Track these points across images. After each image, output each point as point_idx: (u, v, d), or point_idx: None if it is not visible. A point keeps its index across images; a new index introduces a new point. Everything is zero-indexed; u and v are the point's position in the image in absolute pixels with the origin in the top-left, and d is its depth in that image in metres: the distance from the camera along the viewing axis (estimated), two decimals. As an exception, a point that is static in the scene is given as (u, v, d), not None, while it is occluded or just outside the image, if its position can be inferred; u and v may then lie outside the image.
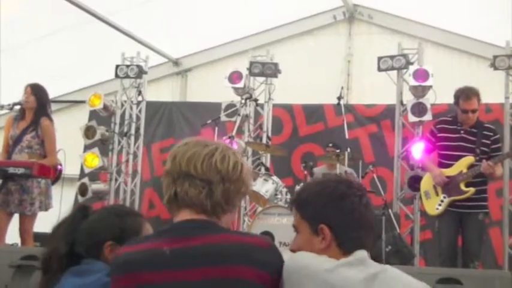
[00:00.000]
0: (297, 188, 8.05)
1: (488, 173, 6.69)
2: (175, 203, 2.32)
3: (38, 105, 7.13)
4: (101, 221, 2.70)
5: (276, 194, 7.95)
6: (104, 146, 10.06)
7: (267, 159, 9.36)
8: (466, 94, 6.78)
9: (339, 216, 2.38)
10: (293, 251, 2.45)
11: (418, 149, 7.88)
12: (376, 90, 10.27)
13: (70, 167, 7.80)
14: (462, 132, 6.85)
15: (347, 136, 7.96)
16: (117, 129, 10.21)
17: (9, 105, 7.18)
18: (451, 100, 7.26)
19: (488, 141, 6.78)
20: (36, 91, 7.17)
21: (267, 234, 7.21)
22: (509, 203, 8.59)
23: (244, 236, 2.39)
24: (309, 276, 2.24)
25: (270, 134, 9.68)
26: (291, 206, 2.52)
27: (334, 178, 2.59)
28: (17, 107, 7.26)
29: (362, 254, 2.33)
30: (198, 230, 2.25)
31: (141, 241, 2.39)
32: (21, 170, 6.44)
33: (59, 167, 7.17)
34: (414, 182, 8.15)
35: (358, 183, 2.52)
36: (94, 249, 2.62)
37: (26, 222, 6.88)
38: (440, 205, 6.81)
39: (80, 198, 9.57)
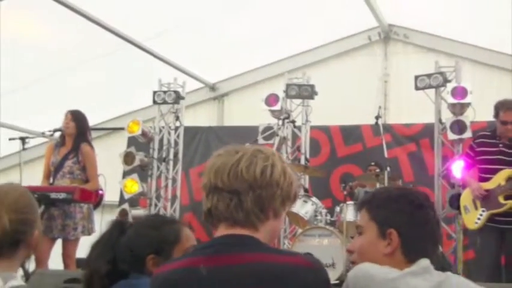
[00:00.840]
0: (337, 208, 8.05)
1: None
2: (211, 219, 2.25)
3: (78, 131, 7.26)
4: (139, 235, 2.69)
5: (315, 216, 7.92)
6: (143, 172, 10.13)
7: (305, 180, 9.33)
8: (506, 106, 6.75)
9: (412, 224, 2.34)
10: (350, 251, 2.43)
11: (458, 168, 7.81)
12: (414, 109, 10.20)
13: (110, 194, 7.89)
14: (501, 145, 6.81)
15: (386, 155, 7.92)
16: (155, 155, 10.28)
17: (50, 131, 7.33)
18: (490, 117, 7.21)
19: None
20: (76, 117, 7.30)
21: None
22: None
23: (285, 255, 2.25)
24: (375, 287, 2.21)
25: (308, 156, 9.65)
26: (361, 206, 2.47)
27: (414, 189, 2.57)
28: (58, 134, 7.39)
29: (425, 262, 2.30)
30: (236, 247, 2.17)
31: (180, 259, 2.35)
32: (63, 195, 6.55)
33: (101, 191, 7.26)
34: (455, 201, 8.04)
35: (432, 202, 2.52)
36: (137, 264, 2.62)
37: (69, 247, 6.96)
38: (479, 219, 6.73)
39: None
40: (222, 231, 2.23)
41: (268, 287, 2.08)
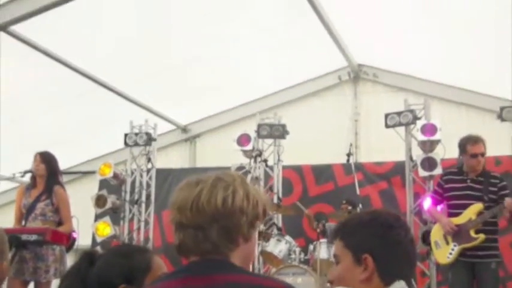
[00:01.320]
0: (310, 246, 8.04)
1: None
2: (182, 253, 2.23)
3: (48, 172, 7.20)
4: (109, 265, 2.63)
5: (289, 254, 7.92)
6: (115, 215, 10.07)
7: (278, 219, 9.32)
8: (473, 139, 6.91)
9: (384, 247, 2.33)
10: (331, 282, 2.42)
11: (428, 203, 7.87)
12: (385, 147, 10.28)
13: (82, 237, 7.81)
14: (469, 181, 6.93)
15: (358, 192, 7.96)
16: (127, 197, 10.22)
17: (20, 173, 7.26)
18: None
19: (495, 188, 6.83)
20: (46, 158, 7.25)
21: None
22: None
23: (260, 277, 2.25)
24: None
25: (280, 195, 9.66)
26: (335, 235, 2.46)
27: (384, 210, 2.54)
28: (28, 175, 7.32)
29: (400, 284, 2.29)
30: (210, 269, 2.15)
31: (155, 283, 2.33)
32: (34, 237, 6.47)
33: (74, 234, 7.18)
34: (428, 237, 8.08)
35: (404, 220, 2.50)
36: None
37: None
38: (451, 253, 6.81)
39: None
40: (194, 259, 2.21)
41: None
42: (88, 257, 2.72)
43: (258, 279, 2.18)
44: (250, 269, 2.48)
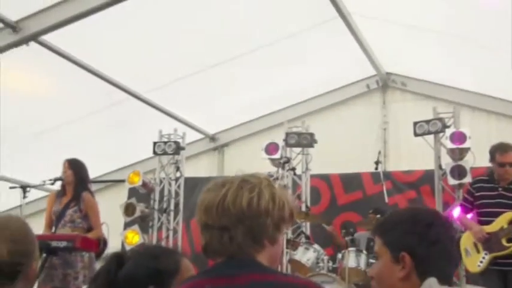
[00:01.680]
0: (339, 255, 8.00)
1: None
2: (208, 254, 2.26)
3: (76, 179, 7.29)
4: (137, 267, 2.64)
5: (317, 263, 7.89)
6: (144, 223, 10.13)
7: (307, 228, 9.31)
8: (502, 148, 6.84)
9: (423, 245, 2.31)
10: (371, 277, 2.43)
11: (457, 212, 7.80)
12: (413, 156, 10.24)
13: (112, 246, 7.84)
14: (500, 189, 6.85)
15: (386, 201, 7.92)
16: (156, 206, 10.29)
17: (50, 180, 7.33)
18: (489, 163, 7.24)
19: None
20: (74, 165, 7.35)
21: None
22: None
23: (293, 277, 2.29)
24: None
25: (308, 204, 9.65)
26: (375, 232, 2.47)
27: (424, 208, 2.55)
28: (58, 183, 7.41)
29: (431, 281, 2.27)
30: (243, 269, 2.17)
31: (186, 281, 2.35)
32: (63, 243, 6.52)
33: (105, 239, 7.23)
34: (457, 245, 8.02)
35: (447, 217, 2.48)
36: None
37: None
38: (482, 262, 6.73)
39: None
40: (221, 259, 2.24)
41: None
42: (117, 259, 2.73)
43: (283, 278, 2.21)
44: None
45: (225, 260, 2.21)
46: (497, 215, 6.76)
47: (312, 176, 10.18)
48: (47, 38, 8.00)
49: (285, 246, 8.01)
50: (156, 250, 2.86)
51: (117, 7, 7.46)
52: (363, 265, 7.74)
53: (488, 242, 6.73)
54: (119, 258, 2.71)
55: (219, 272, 2.21)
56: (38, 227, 7.61)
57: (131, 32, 8.45)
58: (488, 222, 6.80)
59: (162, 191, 10.45)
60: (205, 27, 8.72)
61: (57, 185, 7.55)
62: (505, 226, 6.70)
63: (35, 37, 7.80)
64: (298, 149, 9.92)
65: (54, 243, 6.58)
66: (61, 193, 7.40)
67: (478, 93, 10.61)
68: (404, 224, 2.38)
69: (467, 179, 8.37)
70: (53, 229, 7.22)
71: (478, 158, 8.45)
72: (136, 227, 9.88)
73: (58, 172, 7.53)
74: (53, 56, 8.36)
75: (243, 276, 2.15)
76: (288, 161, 9.33)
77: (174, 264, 2.63)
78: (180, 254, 2.77)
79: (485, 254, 6.75)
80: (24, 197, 7.36)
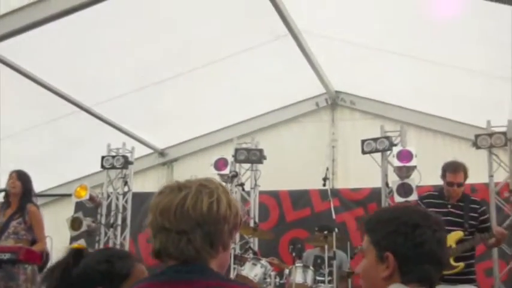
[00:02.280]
0: (286, 271, 8.01)
1: (502, 238, 6.75)
2: (161, 257, 2.23)
3: (23, 191, 7.19)
4: (90, 267, 2.68)
5: (265, 278, 7.88)
6: (90, 238, 10.00)
7: (255, 243, 9.32)
8: (453, 167, 6.88)
9: (408, 246, 2.29)
10: (358, 274, 2.42)
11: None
12: (361, 174, 10.33)
13: (56, 260, 7.71)
14: (449, 206, 6.88)
15: (334, 217, 7.96)
16: (103, 221, 10.20)
17: (-5, 191, 7.23)
18: (435, 182, 7.32)
19: (476, 214, 6.82)
20: (22, 177, 7.26)
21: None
22: (500, 281, 8.56)
23: (237, 284, 2.29)
24: None
25: (257, 220, 9.66)
26: (363, 229, 2.45)
27: (411, 207, 2.54)
28: (1, 194, 7.30)
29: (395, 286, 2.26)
30: (193, 274, 2.17)
31: (139, 282, 2.34)
32: (7, 256, 6.43)
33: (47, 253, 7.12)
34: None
35: (437, 218, 2.43)
36: None
37: None
38: None
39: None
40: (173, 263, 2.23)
41: None
42: (76, 254, 2.75)
43: (235, 285, 2.23)
44: None
45: (180, 264, 2.20)
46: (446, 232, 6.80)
47: (261, 193, 10.23)
48: (-6, 48, 7.90)
49: (232, 261, 8.01)
50: (111, 253, 2.88)
51: (68, 18, 7.40)
52: (309, 281, 7.77)
53: None
54: (78, 253, 2.73)
55: (175, 276, 2.19)
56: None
57: (81, 43, 8.39)
58: (437, 240, 6.84)
59: (109, 206, 10.37)
60: (157, 42, 8.71)
61: (-1, 197, 7.46)
62: (453, 245, 6.74)
63: (-18, 47, 7.71)
64: (247, 165, 9.95)
65: (-3, 256, 6.48)
66: (5, 205, 7.29)
67: (424, 113, 10.77)
68: (391, 223, 2.35)
69: (413, 197, 8.48)
70: (-3, 241, 7.11)
71: (424, 177, 8.58)
72: (82, 241, 9.75)
73: (2, 184, 7.43)
74: (1, 66, 8.25)
75: (200, 281, 2.15)
76: (236, 175, 9.36)
77: (126, 268, 2.66)
78: (134, 258, 2.80)
79: (434, 271, 6.80)
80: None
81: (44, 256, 7.00)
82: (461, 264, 6.67)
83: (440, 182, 7.11)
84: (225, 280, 2.23)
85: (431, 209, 6.76)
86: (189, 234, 2.18)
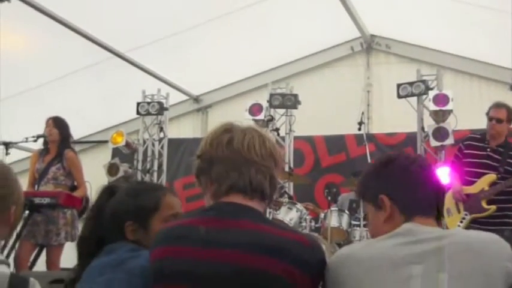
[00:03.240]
0: (321, 215, 8.06)
1: None
2: (232, 190, 2.28)
3: (61, 137, 7.29)
4: (118, 203, 2.70)
5: (300, 222, 7.93)
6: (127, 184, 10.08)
7: (290, 188, 9.36)
8: (497, 103, 6.84)
9: (400, 188, 2.32)
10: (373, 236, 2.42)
11: (443, 174, 7.80)
12: (397, 118, 10.26)
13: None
14: (489, 150, 6.85)
15: (369, 161, 7.95)
16: (140, 166, 10.30)
17: (33, 137, 7.33)
18: (472, 126, 7.28)
19: None
20: (58, 124, 7.34)
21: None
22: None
23: (285, 230, 2.26)
24: (341, 265, 2.21)
25: (292, 166, 9.68)
26: (359, 198, 2.54)
27: (400, 154, 2.49)
28: (41, 140, 7.39)
29: (408, 226, 2.24)
30: (240, 214, 2.22)
31: (184, 217, 2.42)
32: (47, 200, 6.54)
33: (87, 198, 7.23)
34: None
35: (404, 154, 2.46)
36: (117, 231, 2.64)
37: (52, 253, 6.94)
38: (461, 222, 6.79)
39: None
40: (233, 199, 2.28)
41: (261, 255, 2.10)
42: (108, 191, 2.79)
43: (282, 232, 2.21)
44: None
45: (228, 203, 2.26)
46: (481, 175, 6.77)
47: (296, 138, 10.22)
48: (29, -5, 7.91)
49: (268, 206, 8.05)
50: (138, 187, 2.90)
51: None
52: (345, 225, 7.81)
53: (469, 203, 6.78)
54: (110, 190, 2.77)
55: (216, 213, 2.25)
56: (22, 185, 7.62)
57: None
58: (472, 183, 6.81)
59: (145, 152, 10.46)
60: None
61: (39, 143, 7.54)
62: (486, 188, 6.73)
63: (16, -5, 7.71)
64: (282, 111, 9.91)
65: (37, 200, 6.60)
66: (44, 151, 7.40)
67: (461, 57, 10.61)
68: (368, 175, 2.44)
69: (450, 141, 8.42)
70: (36, 187, 7.23)
71: (460, 121, 8.50)
72: (120, 187, 9.85)
73: (40, 130, 7.51)
74: (35, 13, 8.26)
75: (237, 221, 2.20)
76: (272, 119, 9.34)
77: (154, 202, 2.68)
78: (163, 190, 2.81)
79: (466, 214, 6.81)
80: (7, 153, 7.34)
81: (83, 201, 7.11)
82: (493, 207, 6.65)
83: (476, 126, 7.08)
84: (272, 224, 2.27)
85: (470, 151, 6.83)
86: (271, 171, 2.31)
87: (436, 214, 2.34)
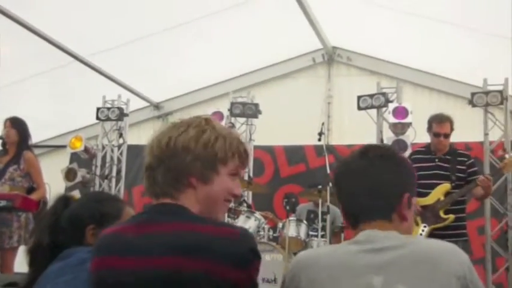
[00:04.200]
0: (279, 224, 8.08)
1: (486, 186, 6.75)
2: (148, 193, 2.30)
3: (19, 138, 7.19)
4: (81, 207, 2.73)
5: (258, 231, 7.94)
6: (85, 189, 9.99)
7: (249, 197, 9.36)
8: (439, 118, 6.97)
9: (413, 182, 2.35)
10: None
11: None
12: (357, 130, 10.32)
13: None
14: (437, 160, 6.96)
15: (328, 171, 7.99)
16: (98, 172, 10.20)
17: (-11, 139, 7.22)
18: (429, 139, 7.33)
19: (463, 167, 6.89)
20: (16, 124, 7.25)
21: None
22: (491, 239, 8.63)
23: (212, 225, 2.17)
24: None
25: (251, 175, 9.68)
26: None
27: (376, 144, 2.48)
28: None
29: (367, 233, 2.24)
30: (165, 216, 2.18)
31: (117, 224, 2.37)
32: (2, 203, 6.43)
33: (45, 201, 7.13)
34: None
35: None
36: (77, 235, 2.66)
37: (5, 256, 6.84)
38: (421, 234, 6.83)
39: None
40: (162, 199, 2.26)
41: (184, 256, 2.05)
42: (64, 200, 2.80)
43: (206, 227, 2.14)
44: (223, 216, 2.52)
45: (153, 205, 2.24)
46: (433, 186, 6.86)
47: (256, 148, 10.25)
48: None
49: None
50: (101, 195, 2.95)
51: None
52: (302, 235, 7.85)
53: (426, 215, 6.85)
54: (66, 199, 2.78)
55: (144, 218, 2.23)
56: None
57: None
58: (425, 194, 6.89)
59: (104, 157, 10.38)
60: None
61: (-3, 145, 7.44)
62: (442, 198, 6.83)
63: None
64: (242, 119, 9.94)
65: (-8, 202, 6.50)
66: (2, 152, 7.30)
67: (420, 71, 10.75)
68: (400, 165, 2.38)
69: (408, 154, 8.50)
70: (-6, 188, 7.13)
71: (419, 134, 8.58)
72: (77, 192, 9.70)
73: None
74: (-5, 14, 8.18)
75: (164, 223, 2.15)
76: (233, 126, 9.34)
77: (116, 210, 2.71)
78: (123, 202, 2.85)
79: (424, 226, 6.87)
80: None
81: (41, 204, 7.01)
82: (451, 216, 6.76)
83: (435, 140, 7.15)
84: (196, 221, 2.17)
85: (418, 165, 6.92)
86: (154, 170, 2.22)
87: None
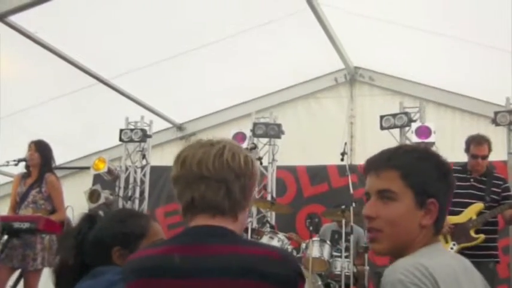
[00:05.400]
0: (303, 245, 8.03)
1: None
2: (192, 209, 2.26)
3: (42, 161, 7.25)
4: (104, 229, 2.70)
5: (281, 252, 7.88)
6: (108, 210, 10.04)
7: (272, 218, 9.34)
8: (477, 140, 6.93)
9: (446, 193, 2.17)
10: (371, 217, 2.15)
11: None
12: (379, 150, 10.17)
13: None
14: (472, 180, 6.94)
15: (351, 191, 7.96)
16: (121, 193, 10.24)
17: (14, 161, 7.29)
18: (454, 158, 7.23)
19: (498, 190, 6.88)
20: (40, 147, 7.31)
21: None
22: (517, 259, 8.55)
23: (256, 247, 2.24)
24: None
25: (274, 195, 9.68)
26: (385, 164, 2.25)
27: (431, 150, 2.36)
28: (22, 164, 7.35)
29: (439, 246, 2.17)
30: (207, 237, 2.19)
31: (157, 246, 2.37)
32: (26, 225, 6.46)
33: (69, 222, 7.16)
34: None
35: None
36: (103, 257, 2.63)
37: (29, 278, 6.86)
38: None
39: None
40: (200, 221, 2.25)
41: (232, 279, 2.08)
42: (89, 219, 2.78)
43: (254, 249, 2.18)
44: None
45: (199, 226, 2.24)
46: (467, 205, 6.85)
47: (279, 168, 10.24)
48: (14, 19, 7.86)
49: (250, 235, 8.03)
50: (124, 213, 2.92)
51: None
52: (326, 255, 7.81)
53: (457, 233, 6.81)
54: (91, 218, 2.76)
55: (188, 239, 2.23)
56: (3, 209, 7.59)
57: (100, 16, 8.37)
58: (458, 213, 6.86)
59: (127, 179, 10.42)
60: (175, 15, 8.67)
61: (21, 167, 7.49)
62: (474, 217, 6.82)
63: (1, 18, 7.68)
64: (265, 140, 9.95)
65: (16, 225, 6.53)
66: (26, 175, 7.36)
67: (443, 90, 10.68)
68: (429, 168, 2.18)
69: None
70: (17, 210, 7.17)
71: (443, 153, 8.45)
72: (101, 213, 9.78)
73: (22, 155, 7.47)
74: (20, 37, 8.22)
75: (210, 246, 2.16)
76: (255, 147, 9.33)
77: (141, 228, 2.69)
78: (148, 217, 2.82)
79: (454, 244, 6.83)
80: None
81: (64, 225, 7.04)
82: (482, 236, 6.73)
83: (459, 159, 7.13)
84: (244, 244, 2.24)
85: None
86: (228, 183, 2.23)
87: None
